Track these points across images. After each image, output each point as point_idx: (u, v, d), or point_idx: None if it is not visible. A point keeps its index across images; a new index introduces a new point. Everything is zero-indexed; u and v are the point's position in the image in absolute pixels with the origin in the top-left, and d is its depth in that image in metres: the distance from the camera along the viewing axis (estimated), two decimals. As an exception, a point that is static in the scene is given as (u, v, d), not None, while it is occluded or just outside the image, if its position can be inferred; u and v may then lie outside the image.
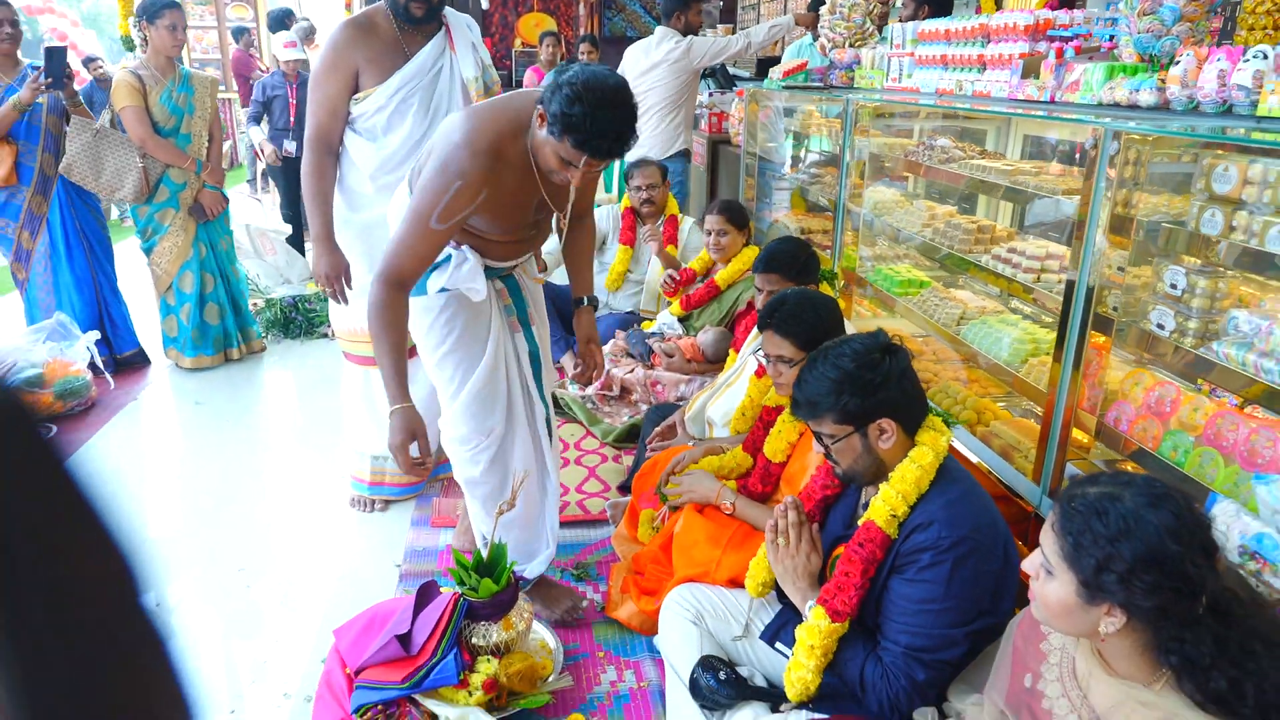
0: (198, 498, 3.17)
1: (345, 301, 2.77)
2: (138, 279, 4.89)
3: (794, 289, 2.49)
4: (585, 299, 2.49)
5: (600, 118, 1.80)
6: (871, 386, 1.61)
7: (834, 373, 1.63)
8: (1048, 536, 1.25)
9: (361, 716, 1.96)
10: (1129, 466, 1.93)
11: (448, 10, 2.70)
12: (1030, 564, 1.29)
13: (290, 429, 3.88)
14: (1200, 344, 1.73)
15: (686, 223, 4.36)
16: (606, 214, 4.52)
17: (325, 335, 4.94)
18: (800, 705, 1.75)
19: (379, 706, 1.97)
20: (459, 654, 2.03)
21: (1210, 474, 1.65)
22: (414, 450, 2.04)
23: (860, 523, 1.66)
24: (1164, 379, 1.86)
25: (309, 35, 7.58)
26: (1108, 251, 1.87)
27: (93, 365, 3.97)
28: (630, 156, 5.11)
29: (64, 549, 0.50)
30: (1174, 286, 1.79)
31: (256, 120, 6.08)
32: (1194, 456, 1.69)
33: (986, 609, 1.61)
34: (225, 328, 4.46)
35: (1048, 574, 1.25)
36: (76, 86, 4.02)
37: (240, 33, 9.18)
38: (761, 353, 2.39)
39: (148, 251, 4.22)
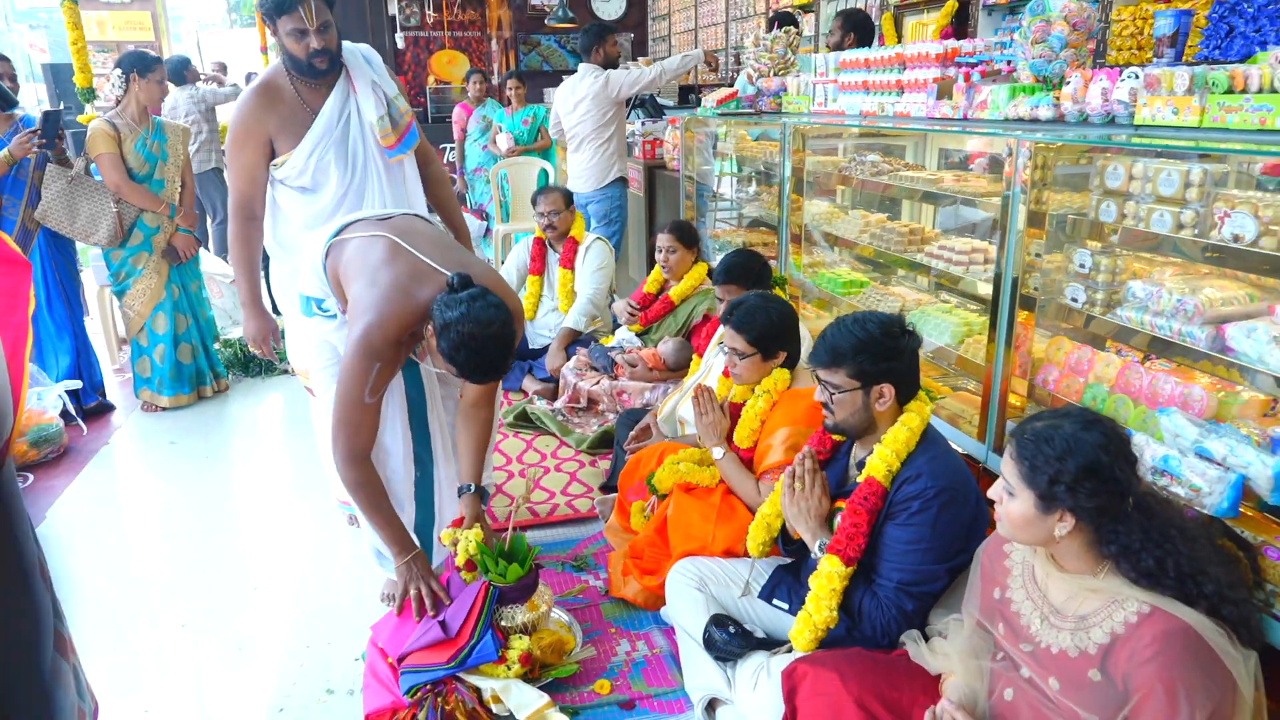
0: (191, 528, 3.29)
1: (276, 360, 3.13)
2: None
3: (755, 292, 2.82)
4: (472, 486, 2.50)
5: (480, 362, 2.10)
6: (887, 353, 1.93)
7: (861, 333, 1.94)
8: (1007, 465, 1.58)
9: (413, 697, 2.16)
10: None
11: (345, 47, 2.72)
12: (994, 491, 1.62)
13: (269, 460, 4.00)
14: (1106, 311, 2.11)
15: (586, 240, 4.64)
16: (525, 246, 4.80)
17: (286, 371, 5.05)
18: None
19: (428, 686, 2.17)
20: (494, 634, 2.25)
21: (1124, 415, 2.02)
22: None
23: (860, 479, 1.96)
24: (1080, 343, 2.23)
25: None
26: (1026, 242, 2.24)
27: (64, 413, 4.03)
28: (572, 185, 5.41)
29: None
30: (1082, 266, 2.17)
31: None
32: (1109, 403, 2.06)
33: (961, 548, 1.92)
34: (199, 366, 4.57)
35: (1009, 495, 1.57)
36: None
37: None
38: (724, 347, 2.72)
39: (120, 294, 4.31)
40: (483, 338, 2.07)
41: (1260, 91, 1.85)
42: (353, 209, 2.79)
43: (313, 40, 2.57)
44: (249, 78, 10.02)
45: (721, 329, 3.32)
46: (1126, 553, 1.49)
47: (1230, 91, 1.88)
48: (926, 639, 1.94)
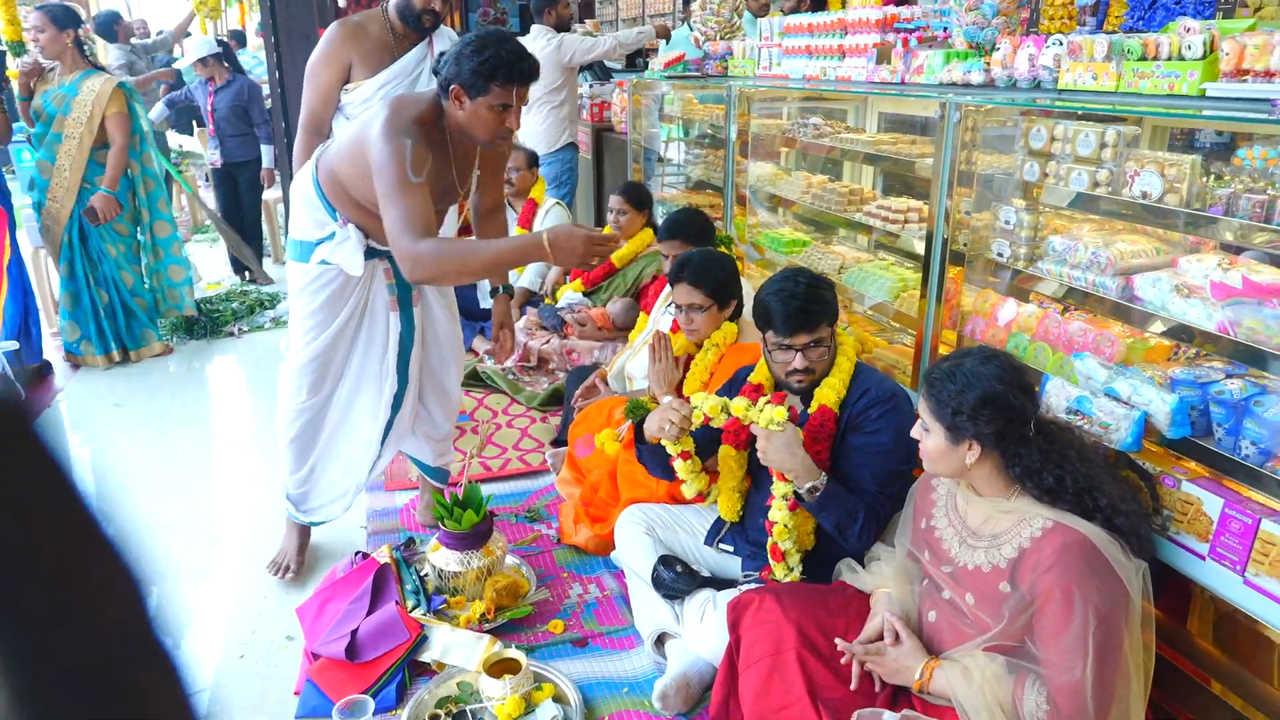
0: (145, 486, 3.29)
1: None
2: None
3: (699, 249, 2.92)
4: (500, 288, 2.72)
5: (505, 49, 2.08)
6: (835, 304, 2.14)
7: (829, 294, 2.11)
8: (921, 405, 1.73)
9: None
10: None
11: (441, 28, 2.99)
12: (916, 430, 1.77)
13: (219, 419, 4.00)
14: (1029, 265, 2.25)
15: (546, 204, 4.68)
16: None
17: (231, 334, 5.01)
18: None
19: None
20: (402, 681, 2.18)
21: (1043, 361, 2.17)
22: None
23: (811, 411, 2.07)
24: (1004, 296, 2.38)
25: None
26: (957, 200, 2.36)
27: (3, 375, 3.96)
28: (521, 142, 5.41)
29: (71, 557, 0.48)
30: (1007, 223, 2.30)
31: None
32: (1031, 350, 2.21)
33: (908, 458, 2.05)
34: (116, 327, 4.53)
35: (925, 432, 1.73)
36: None
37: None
38: (673, 305, 2.80)
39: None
40: (489, 33, 2.13)
41: (1170, 59, 1.98)
42: None
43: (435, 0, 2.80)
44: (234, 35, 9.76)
45: (669, 289, 3.42)
46: (1029, 473, 1.65)
47: (1143, 59, 2.01)
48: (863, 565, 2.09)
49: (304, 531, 2.76)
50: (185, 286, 4.83)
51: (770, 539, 2.11)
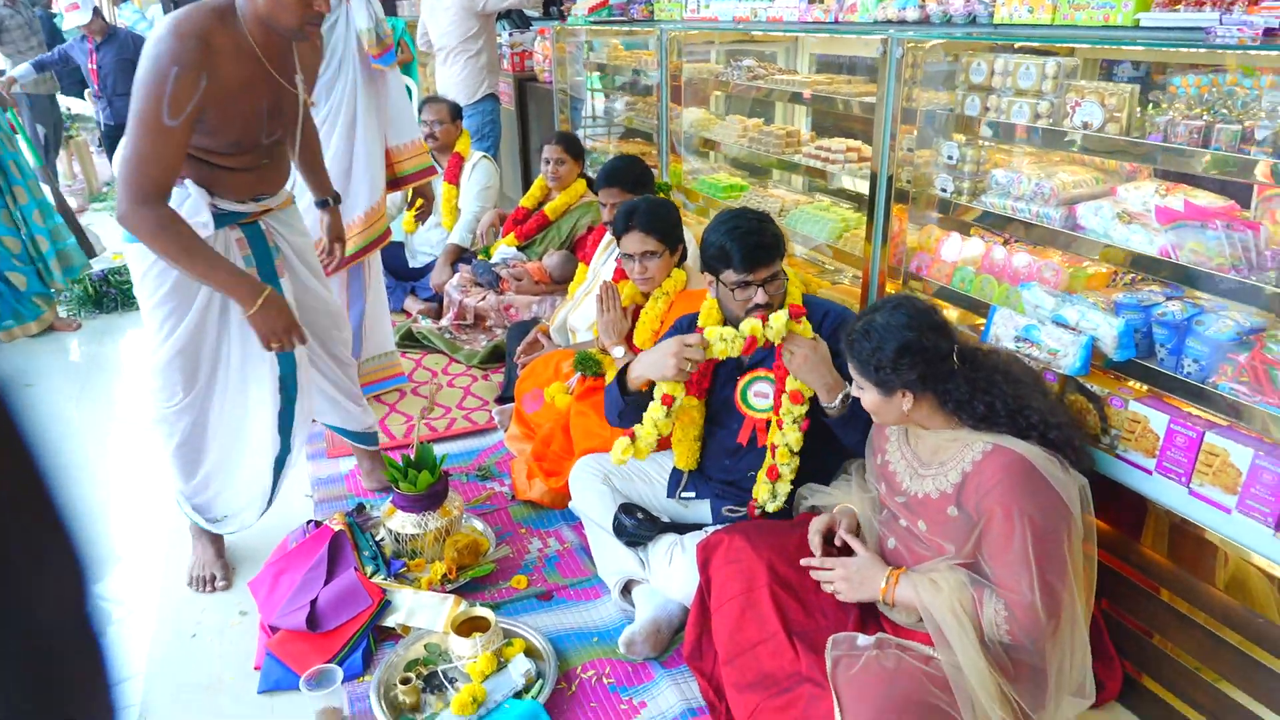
0: (75, 464, 3.12)
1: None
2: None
3: (642, 197, 2.87)
4: (329, 199, 2.58)
5: None
6: (783, 236, 2.14)
7: (777, 228, 2.11)
8: (850, 366, 1.78)
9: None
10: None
11: None
12: (854, 390, 1.83)
13: (141, 396, 3.81)
14: (972, 199, 2.28)
15: (472, 158, 4.56)
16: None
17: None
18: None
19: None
20: (368, 647, 2.14)
21: (989, 293, 2.22)
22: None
23: (779, 342, 2.04)
24: (948, 230, 2.42)
25: None
26: (900, 138, 2.38)
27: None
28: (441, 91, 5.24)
29: (20, 549, 0.47)
30: (950, 158, 2.33)
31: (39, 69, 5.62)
32: (976, 283, 2.26)
33: None
34: None
35: (861, 390, 1.79)
36: None
37: None
38: (621, 255, 2.76)
39: None
40: None
41: (1104, -11, 2.01)
42: (317, 101, 2.78)
43: None
44: None
45: (609, 238, 3.38)
46: (961, 405, 1.72)
47: (1078, -10, 2.05)
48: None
49: (216, 537, 2.49)
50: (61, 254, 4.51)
51: (769, 460, 2.11)
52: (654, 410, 2.08)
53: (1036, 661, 1.64)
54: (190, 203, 2.05)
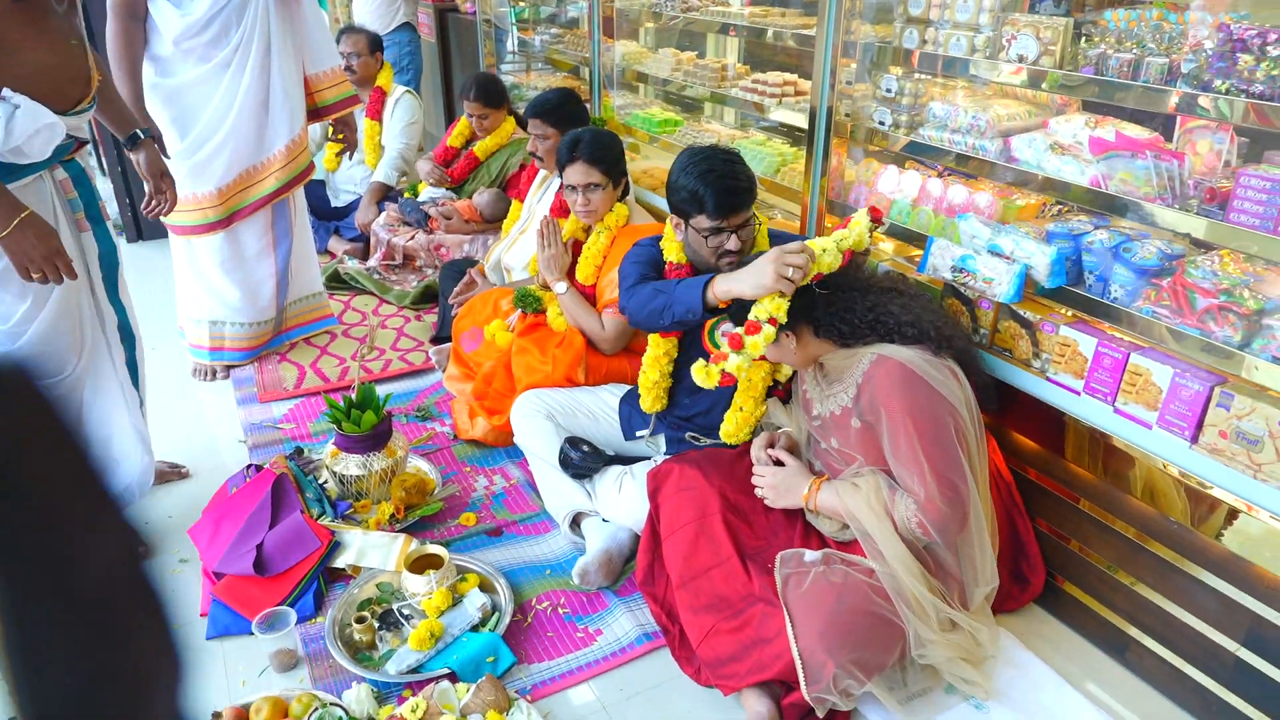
0: None
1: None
2: None
3: (586, 127, 2.81)
4: (138, 133, 2.23)
5: None
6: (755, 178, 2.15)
7: (749, 169, 2.10)
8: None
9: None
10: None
11: None
12: None
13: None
14: (910, 132, 2.32)
15: (395, 92, 4.41)
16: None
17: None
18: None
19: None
20: (318, 589, 2.12)
21: (926, 224, 2.28)
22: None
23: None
24: (886, 163, 2.46)
25: None
26: (839, 71, 2.40)
27: None
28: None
29: (72, 513, 0.49)
30: (889, 91, 2.36)
31: None
32: (914, 214, 2.32)
33: None
34: None
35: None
36: None
37: None
38: (564, 186, 2.70)
39: None
40: None
41: (1039, -78, 2.05)
42: (227, 29, 2.73)
43: None
44: None
45: (543, 174, 3.32)
46: (828, 328, 1.86)
47: (1014, -78, 2.07)
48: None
49: None
50: None
51: (750, 315, 1.83)
52: (763, 337, 1.80)
53: (950, 556, 1.78)
54: (21, 113, 1.76)
